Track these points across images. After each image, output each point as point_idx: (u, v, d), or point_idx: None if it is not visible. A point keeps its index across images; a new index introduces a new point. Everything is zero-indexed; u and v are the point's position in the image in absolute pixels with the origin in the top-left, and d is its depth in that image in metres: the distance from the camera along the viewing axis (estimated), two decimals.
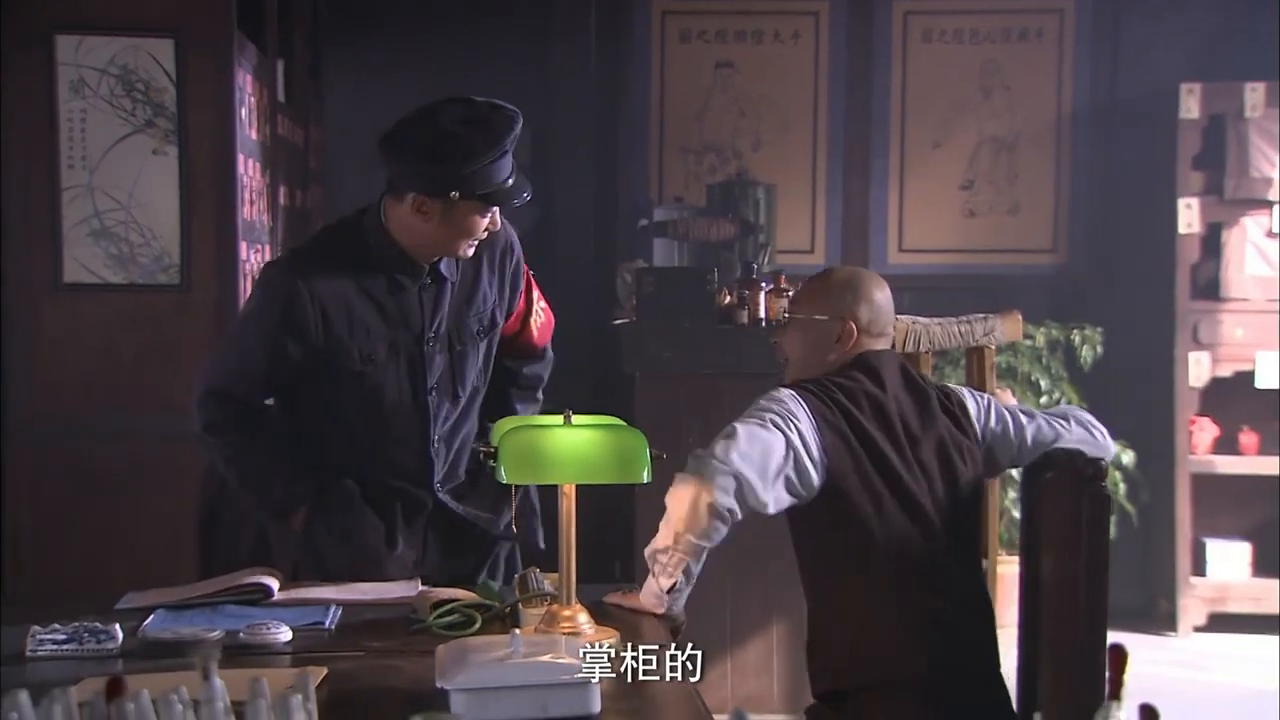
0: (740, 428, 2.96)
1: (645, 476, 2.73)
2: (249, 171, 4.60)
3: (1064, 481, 2.99)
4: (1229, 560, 6.77)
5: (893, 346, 3.31)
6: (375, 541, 3.45)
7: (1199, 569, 6.76)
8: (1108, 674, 1.51)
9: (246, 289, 4.49)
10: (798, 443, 2.97)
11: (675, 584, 2.98)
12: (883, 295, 3.23)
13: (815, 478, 2.99)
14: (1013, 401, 3.41)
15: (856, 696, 3.03)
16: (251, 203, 4.65)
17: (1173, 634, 6.60)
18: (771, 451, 2.94)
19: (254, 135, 4.73)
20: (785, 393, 3.06)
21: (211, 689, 1.36)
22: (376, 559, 3.43)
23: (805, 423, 3.00)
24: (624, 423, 2.92)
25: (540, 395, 3.76)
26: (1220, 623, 6.67)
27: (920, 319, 3.75)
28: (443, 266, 3.37)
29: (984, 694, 3.09)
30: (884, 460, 3.04)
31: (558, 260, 7.61)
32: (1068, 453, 3.11)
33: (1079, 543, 2.85)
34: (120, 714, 1.33)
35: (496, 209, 3.29)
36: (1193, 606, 6.68)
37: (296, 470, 3.41)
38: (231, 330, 3.43)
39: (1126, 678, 1.49)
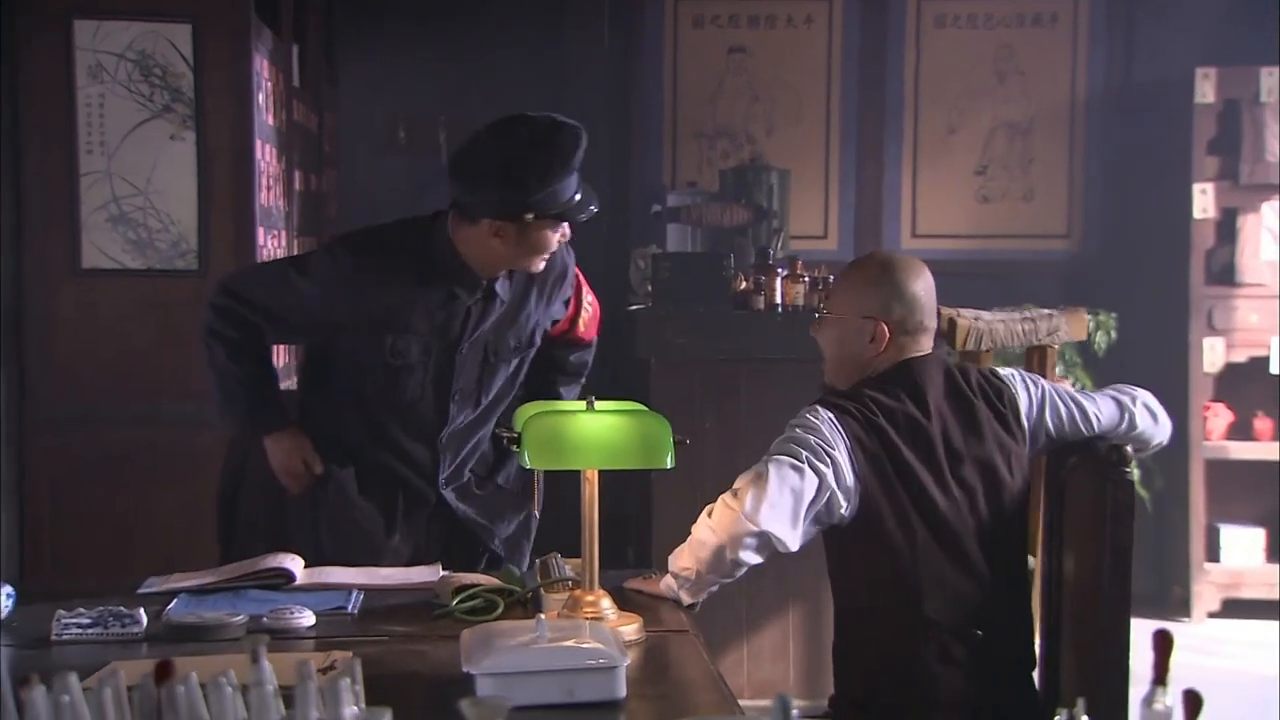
0: (772, 472, 2.82)
1: (669, 462, 2.72)
2: (265, 157, 4.60)
3: (1087, 469, 2.99)
4: (1243, 546, 6.77)
5: (941, 338, 3.18)
6: (374, 528, 3.50)
7: (1213, 555, 6.75)
8: (1153, 659, 1.50)
9: None
10: (832, 480, 2.85)
11: (697, 604, 2.98)
12: (920, 286, 3.06)
13: (846, 510, 2.89)
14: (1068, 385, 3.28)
15: (888, 710, 2.98)
16: (269, 188, 4.65)
17: (1187, 620, 6.59)
18: (803, 495, 2.83)
19: (270, 120, 4.73)
20: (825, 415, 2.91)
21: (261, 672, 1.37)
22: (373, 546, 3.47)
23: (842, 452, 2.87)
24: (646, 407, 2.92)
25: (583, 380, 3.80)
26: (1234, 608, 6.66)
27: (983, 315, 3.59)
28: (498, 285, 3.43)
29: (1020, 713, 3.06)
30: (921, 490, 2.92)
31: (571, 246, 7.61)
32: (1089, 440, 3.10)
33: (1103, 530, 2.84)
34: (170, 697, 1.34)
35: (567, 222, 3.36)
36: (1206, 592, 6.67)
37: (268, 398, 3.48)
38: (281, 260, 3.48)
39: (1171, 663, 1.49)
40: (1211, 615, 6.66)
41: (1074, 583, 3.04)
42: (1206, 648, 6.25)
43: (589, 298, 3.74)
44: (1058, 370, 6.55)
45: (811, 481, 2.84)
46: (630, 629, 2.71)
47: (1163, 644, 1.54)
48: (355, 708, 1.38)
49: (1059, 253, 7.30)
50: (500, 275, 3.42)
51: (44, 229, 4.34)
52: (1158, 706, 1.38)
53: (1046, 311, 3.33)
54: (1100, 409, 3.15)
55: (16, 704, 1.39)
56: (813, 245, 6.95)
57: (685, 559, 2.94)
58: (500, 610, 2.89)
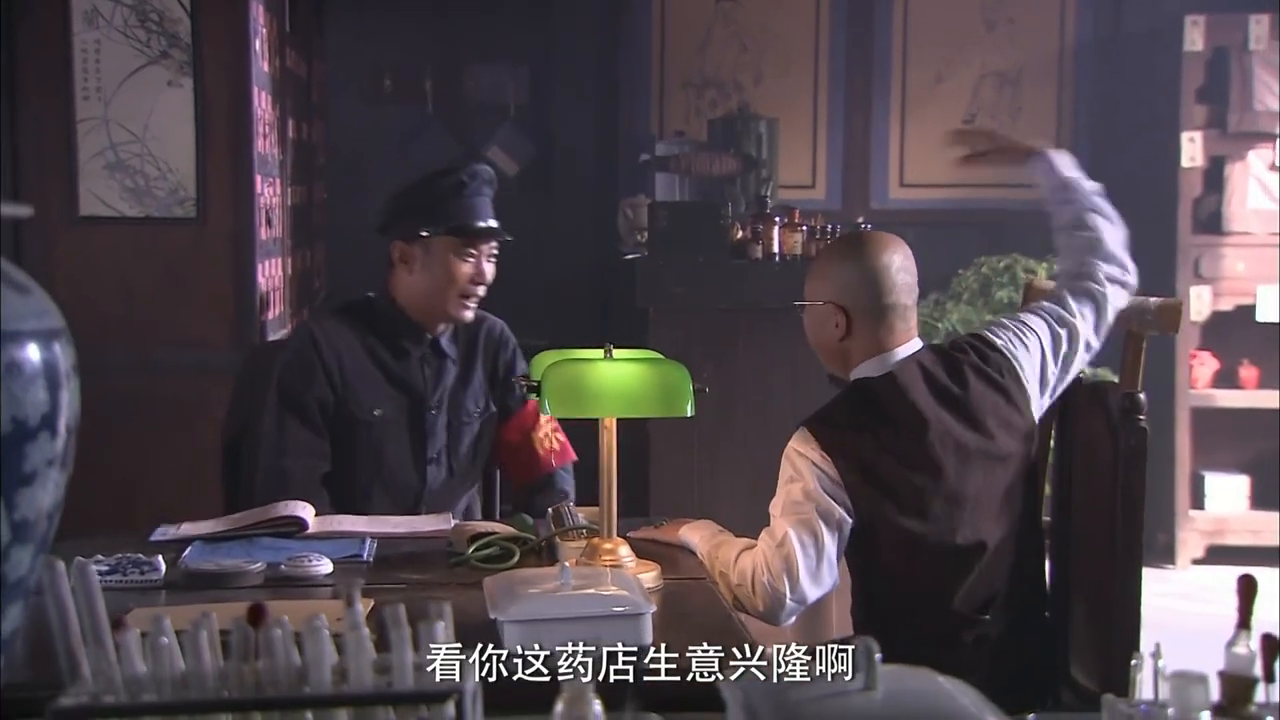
0: (796, 547, 2.79)
1: (689, 410, 2.72)
2: (262, 104, 4.56)
3: (1098, 417, 2.99)
4: (1227, 493, 6.82)
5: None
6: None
7: (1198, 502, 6.81)
8: (1238, 603, 1.51)
9: (262, 222, 4.47)
10: (838, 517, 2.81)
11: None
12: (886, 262, 2.92)
13: (849, 525, 2.85)
14: None
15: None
16: (264, 136, 4.61)
17: (1171, 567, 6.66)
18: (826, 551, 2.81)
19: (265, 68, 4.69)
20: (811, 460, 2.82)
21: (355, 615, 1.37)
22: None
23: (829, 483, 2.81)
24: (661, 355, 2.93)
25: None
26: (1218, 555, 6.72)
27: None
28: (443, 342, 3.60)
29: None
30: (919, 499, 2.85)
31: (557, 196, 7.61)
32: (1097, 387, 3.10)
33: (1115, 478, 2.85)
34: (268, 641, 1.34)
35: (485, 263, 3.54)
36: (1191, 540, 6.73)
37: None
38: (272, 409, 3.51)
39: (1255, 607, 1.50)
40: (1196, 562, 6.72)
41: (1084, 532, 3.06)
42: (1191, 594, 6.30)
43: (558, 434, 3.72)
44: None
45: (829, 536, 2.82)
46: (649, 576, 2.72)
47: (1247, 589, 1.55)
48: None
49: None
50: (443, 332, 3.60)
51: (41, 177, 4.29)
52: (1240, 650, 1.39)
53: (1140, 297, 3.13)
54: (1086, 319, 3.06)
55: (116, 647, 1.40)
56: (801, 195, 6.95)
57: (725, 583, 2.86)
58: (517, 558, 2.90)
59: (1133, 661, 1.47)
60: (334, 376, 3.50)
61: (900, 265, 2.93)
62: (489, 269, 3.57)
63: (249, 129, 4.35)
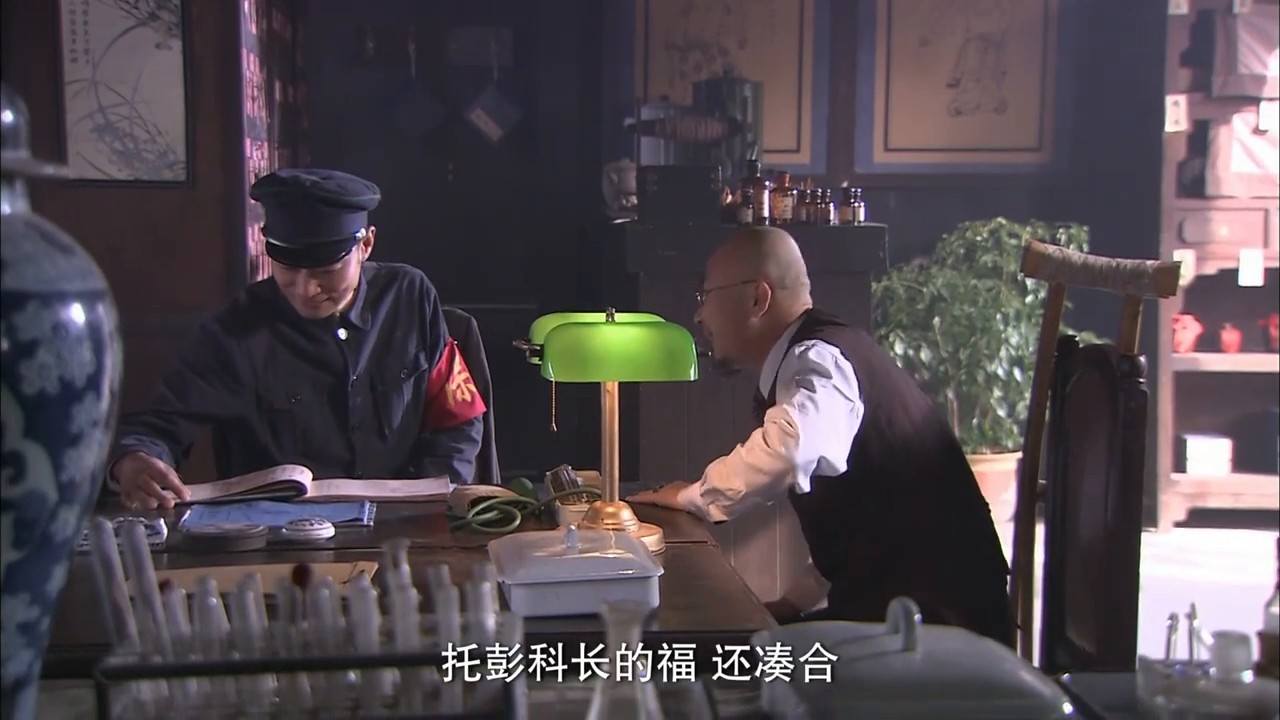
0: (822, 398, 2.94)
1: (692, 374, 2.73)
2: (250, 66, 4.53)
3: (1097, 379, 3.00)
4: (1209, 457, 6.86)
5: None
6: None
7: (1180, 466, 6.85)
8: (1277, 565, 1.52)
9: (250, 184, 4.44)
10: (855, 403, 3.02)
11: (727, 520, 3.05)
12: (788, 249, 3.26)
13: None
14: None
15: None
16: (253, 98, 4.58)
17: (1153, 530, 6.68)
18: (848, 418, 2.99)
19: (253, 29, 4.66)
20: (827, 350, 3.05)
21: (401, 576, 1.36)
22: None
23: (851, 374, 3.04)
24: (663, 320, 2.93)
25: (460, 465, 3.62)
26: (1200, 518, 6.77)
27: (1069, 252, 3.44)
28: (353, 315, 3.49)
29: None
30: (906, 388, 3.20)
31: (541, 160, 7.58)
32: (1096, 350, 3.11)
33: (1114, 440, 2.86)
34: (315, 602, 1.33)
35: (307, 285, 3.33)
36: (1173, 503, 6.78)
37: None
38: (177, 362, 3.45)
39: None
40: (1178, 525, 6.77)
41: (1082, 492, 3.07)
42: (1174, 557, 6.34)
43: (469, 384, 3.69)
44: (1029, 284, 6.59)
45: (847, 407, 2.99)
46: (652, 540, 2.73)
47: None
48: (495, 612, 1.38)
49: (1031, 165, 7.32)
50: (354, 306, 3.48)
51: (29, 139, 4.25)
52: (1277, 609, 1.40)
53: (1134, 261, 3.12)
54: None
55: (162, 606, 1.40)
56: (786, 159, 6.93)
57: (735, 480, 2.95)
58: (518, 522, 2.90)
59: (1167, 622, 1.48)
60: (245, 377, 3.42)
61: (797, 252, 3.29)
62: (313, 289, 3.35)
63: (238, 91, 4.32)
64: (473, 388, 3.68)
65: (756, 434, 2.96)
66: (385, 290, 3.55)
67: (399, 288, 3.57)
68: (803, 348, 3.04)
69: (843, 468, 2.96)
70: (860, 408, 3.02)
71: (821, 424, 2.92)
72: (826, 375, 2.98)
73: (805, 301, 3.26)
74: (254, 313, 3.48)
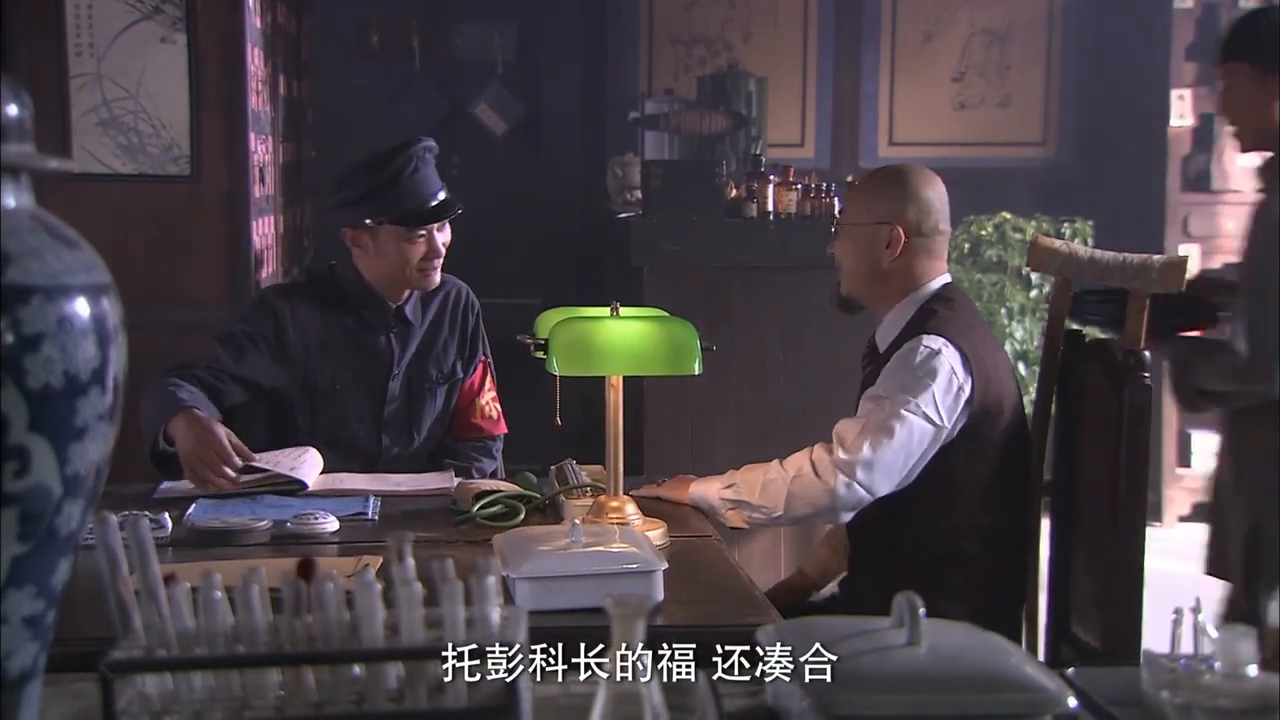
0: (899, 431, 2.86)
1: (697, 368, 2.72)
2: (254, 60, 4.52)
3: (1103, 373, 3.00)
4: (1213, 452, 6.80)
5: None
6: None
7: (1184, 460, 6.84)
8: None
9: (255, 180, 4.45)
10: (949, 428, 2.91)
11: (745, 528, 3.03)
12: (933, 192, 3.08)
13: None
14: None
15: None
16: (257, 93, 4.57)
17: (1158, 524, 6.68)
18: (922, 450, 2.90)
19: (258, 23, 4.65)
20: (951, 356, 2.93)
21: (406, 570, 1.36)
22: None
23: (966, 388, 2.93)
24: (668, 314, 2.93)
25: (476, 474, 3.61)
26: (1204, 513, 6.70)
27: (1075, 245, 3.38)
28: (407, 310, 3.57)
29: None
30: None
31: (545, 154, 7.58)
32: (1101, 344, 3.12)
33: (1120, 434, 2.86)
34: (320, 595, 1.33)
35: (436, 236, 3.47)
36: (1178, 497, 6.77)
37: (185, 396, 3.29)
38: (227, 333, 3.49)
39: None
40: (1183, 519, 6.75)
41: (1087, 488, 3.07)
42: (1178, 551, 6.29)
43: (495, 403, 3.74)
44: (1033, 278, 6.59)
45: (932, 434, 2.90)
46: (656, 534, 2.73)
47: None
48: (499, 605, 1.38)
49: (1036, 160, 7.32)
50: (409, 300, 3.58)
51: (34, 133, 4.24)
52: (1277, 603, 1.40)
53: (1140, 255, 3.13)
54: None
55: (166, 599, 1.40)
56: (790, 154, 6.93)
57: (774, 502, 2.92)
58: (523, 516, 2.90)
59: (1172, 616, 1.48)
60: (296, 354, 3.48)
61: (943, 194, 3.11)
62: (442, 239, 3.50)
63: (243, 85, 4.31)
64: (499, 408, 3.74)
65: (808, 459, 2.89)
66: (434, 293, 3.63)
67: (446, 295, 3.67)
68: (930, 347, 2.92)
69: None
70: (949, 430, 2.90)
71: (889, 459, 2.85)
72: (931, 390, 2.87)
73: (943, 265, 3.11)
74: (313, 293, 3.59)
